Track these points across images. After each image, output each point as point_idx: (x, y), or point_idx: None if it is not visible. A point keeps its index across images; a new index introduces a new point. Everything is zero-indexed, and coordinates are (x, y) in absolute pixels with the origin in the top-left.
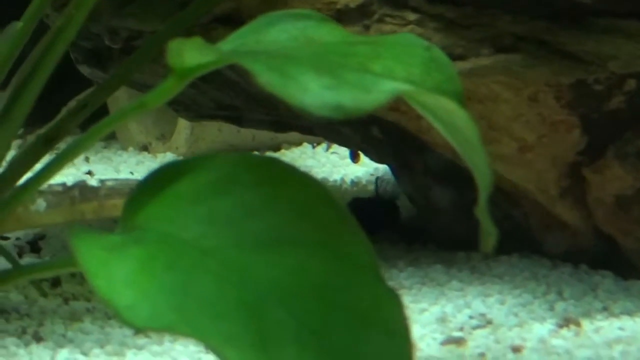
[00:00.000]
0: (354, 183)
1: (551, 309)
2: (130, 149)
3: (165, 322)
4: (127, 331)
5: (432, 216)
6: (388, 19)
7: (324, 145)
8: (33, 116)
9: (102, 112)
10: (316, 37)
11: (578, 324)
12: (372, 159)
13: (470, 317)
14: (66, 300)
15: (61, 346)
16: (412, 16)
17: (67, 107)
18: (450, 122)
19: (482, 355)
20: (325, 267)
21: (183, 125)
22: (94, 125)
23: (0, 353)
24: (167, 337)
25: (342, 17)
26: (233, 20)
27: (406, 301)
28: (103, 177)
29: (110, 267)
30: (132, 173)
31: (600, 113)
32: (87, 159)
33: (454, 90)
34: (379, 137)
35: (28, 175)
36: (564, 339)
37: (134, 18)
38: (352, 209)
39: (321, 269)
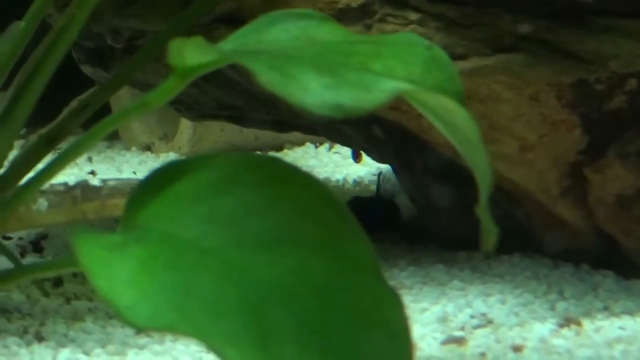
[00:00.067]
0: (356, 183)
1: (552, 308)
2: (133, 148)
3: (165, 321)
4: (129, 331)
5: (433, 216)
6: (389, 19)
7: (326, 145)
8: (36, 116)
9: (105, 111)
10: (317, 36)
11: (579, 324)
12: (374, 158)
13: (471, 317)
14: (68, 300)
15: (63, 346)
16: (413, 16)
17: (69, 106)
18: (450, 121)
19: (482, 354)
20: (325, 266)
21: (186, 125)
22: (95, 124)
23: (1, 352)
24: (168, 337)
25: (343, 16)
26: (235, 20)
27: (407, 301)
28: (105, 177)
29: (111, 267)
30: (134, 173)
31: (601, 112)
32: (90, 159)
33: (454, 89)
34: (380, 136)
35: (30, 175)
36: (564, 339)
37: (136, 18)
38: (352, 208)
39: (322, 268)
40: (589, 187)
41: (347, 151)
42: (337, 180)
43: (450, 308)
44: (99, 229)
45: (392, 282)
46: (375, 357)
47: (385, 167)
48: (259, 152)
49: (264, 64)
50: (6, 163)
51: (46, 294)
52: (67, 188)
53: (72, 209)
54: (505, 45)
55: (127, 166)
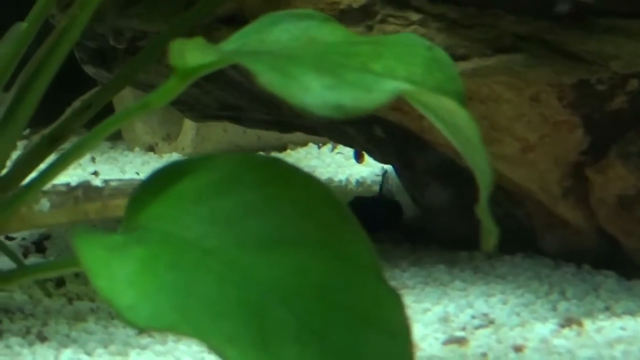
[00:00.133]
0: (359, 183)
1: (553, 308)
2: (137, 149)
3: (166, 321)
4: (131, 331)
5: (434, 216)
6: (391, 19)
7: (329, 145)
8: (38, 116)
9: (108, 112)
10: (318, 37)
11: (580, 324)
12: (376, 159)
13: (473, 317)
14: (70, 300)
15: (65, 346)
16: (414, 16)
17: (71, 107)
18: (451, 121)
19: (484, 355)
20: (326, 267)
21: (189, 125)
22: (98, 125)
23: (4, 353)
24: (170, 337)
25: (345, 17)
26: (236, 21)
27: (409, 301)
28: (107, 178)
29: (112, 267)
30: (137, 173)
31: (603, 113)
32: (93, 160)
33: (455, 90)
34: (382, 137)
35: (32, 175)
36: (565, 339)
37: (138, 18)
38: (353, 209)
39: (322, 269)
40: (590, 188)
41: (349, 151)
42: (340, 181)
43: (451, 308)
44: (101, 230)
45: (394, 283)
46: (376, 358)
47: (389, 168)
48: (261, 153)
49: (264, 65)
50: (9, 163)
51: (48, 295)
52: (69, 188)
53: (74, 209)
54: (506, 45)
55: (130, 167)
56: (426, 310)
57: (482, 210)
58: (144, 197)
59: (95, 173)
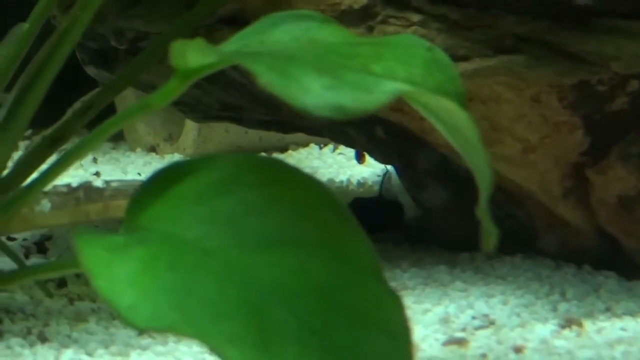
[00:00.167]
0: (360, 184)
1: (554, 309)
2: (138, 150)
3: (166, 322)
4: (132, 332)
5: (435, 216)
6: (392, 20)
7: (330, 146)
8: (41, 117)
9: (110, 112)
10: (319, 38)
11: (580, 325)
12: (376, 159)
13: (473, 318)
14: (71, 301)
15: (66, 347)
16: (415, 17)
17: (72, 108)
18: (451, 122)
19: (483, 355)
20: (326, 267)
21: (190, 126)
22: (98, 125)
23: (5, 353)
24: (171, 338)
25: (345, 18)
26: (237, 21)
27: (409, 302)
28: (109, 178)
29: (112, 268)
30: (139, 174)
31: (603, 114)
32: (95, 160)
33: (455, 90)
34: (383, 137)
35: (34, 175)
36: (565, 340)
37: (140, 19)
38: (354, 209)
39: (322, 269)
40: (590, 188)
41: (351, 152)
42: (341, 181)
43: (452, 309)
44: (102, 230)
45: (394, 283)
46: (376, 358)
47: (390, 169)
48: (263, 153)
49: (264, 66)
50: (10, 164)
51: (50, 295)
52: (70, 189)
53: (75, 210)
54: (506, 46)
55: (132, 167)
56: (426, 311)
57: (482, 212)
58: (145, 198)
59: (97, 173)
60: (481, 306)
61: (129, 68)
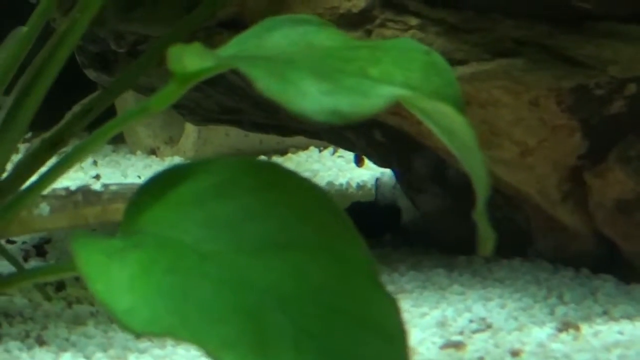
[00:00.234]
0: (359, 187)
1: (551, 313)
2: (139, 152)
3: (163, 326)
4: (130, 335)
5: (433, 220)
6: (390, 24)
7: (330, 149)
8: (40, 120)
9: (110, 115)
10: (316, 42)
11: (577, 328)
12: (375, 162)
13: (471, 321)
14: (70, 304)
15: (64, 350)
16: (413, 21)
17: (71, 111)
18: (448, 126)
19: (481, 359)
20: (323, 271)
21: (191, 129)
22: (98, 128)
23: (3, 357)
24: (169, 341)
25: (344, 21)
26: (237, 25)
27: (407, 305)
28: (107, 182)
29: (110, 272)
30: (139, 177)
31: (601, 117)
32: (95, 163)
33: (453, 94)
34: (381, 141)
35: (33, 178)
36: (562, 343)
37: (139, 22)
38: (351, 213)
39: (319, 273)
40: (589, 192)
41: (350, 155)
42: (341, 184)
43: (449, 312)
44: (100, 234)
45: (392, 287)
46: None
47: (388, 172)
48: (263, 157)
49: (262, 70)
50: (10, 167)
51: (48, 298)
52: (69, 193)
53: (74, 213)
54: (505, 50)
55: (132, 170)
56: (424, 315)
57: (479, 215)
58: (143, 201)
59: (97, 176)
60: (479, 309)
61: (129, 71)
